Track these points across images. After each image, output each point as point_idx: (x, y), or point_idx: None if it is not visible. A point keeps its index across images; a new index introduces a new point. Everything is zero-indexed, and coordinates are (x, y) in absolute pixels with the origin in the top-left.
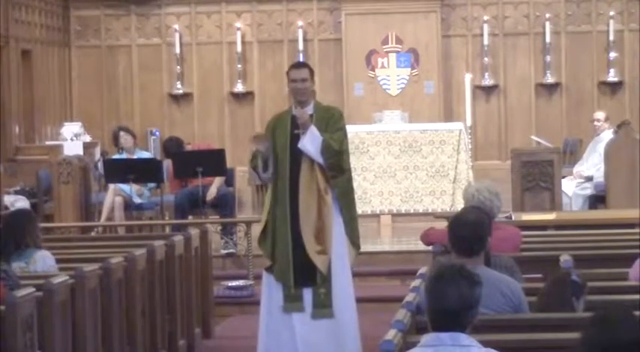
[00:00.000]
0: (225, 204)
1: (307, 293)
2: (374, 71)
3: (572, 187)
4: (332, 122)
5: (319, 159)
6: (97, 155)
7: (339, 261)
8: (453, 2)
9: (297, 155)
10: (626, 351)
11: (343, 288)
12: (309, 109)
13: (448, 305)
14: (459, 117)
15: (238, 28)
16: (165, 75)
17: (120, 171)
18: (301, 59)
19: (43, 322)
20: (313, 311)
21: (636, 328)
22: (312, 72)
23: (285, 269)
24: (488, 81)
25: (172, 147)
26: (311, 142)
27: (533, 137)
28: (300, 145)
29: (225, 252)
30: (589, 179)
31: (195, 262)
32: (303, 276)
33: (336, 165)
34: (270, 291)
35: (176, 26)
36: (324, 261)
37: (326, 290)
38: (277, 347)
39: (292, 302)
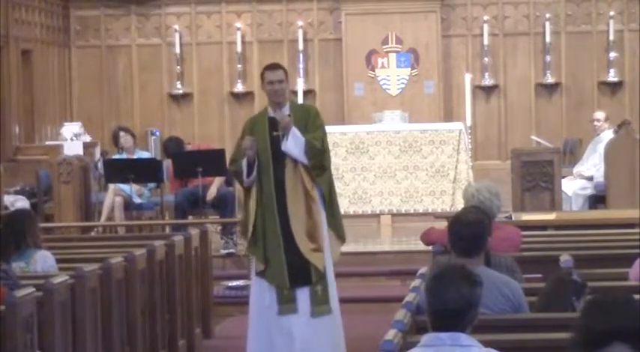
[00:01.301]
0: (225, 204)
1: (301, 294)
2: (374, 71)
3: (572, 187)
4: (311, 121)
5: (303, 159)
6: (97, 155)
7: (327, 258)
8: (453, 2)
9: (279, 157)
10: (624, 337)
11: (332, 284)
12: (286, 110)
13: (448, 305)
14: (459, 117)
15: (238, 28)
16: (165, 75)
17: (120, 171)
18: (301, 59)
19: (43, 322)
20: (313, 309)
21: (636, 314)
22: (286, 73)
23: (279, 271)
24: (488, 81)
25: (172, 147)
26: (294, 144)
27: (533, 137)
28: (283, 148)
29: (225, 252)
30: (589, 179)
31: (195, 262)
32: (297, 277)
33: (319, 164)
34: (263, 295)
35: (176, 26)
36: (320, 258)
37: (323, 287)
38: (270, 350)
39: (286, 303)
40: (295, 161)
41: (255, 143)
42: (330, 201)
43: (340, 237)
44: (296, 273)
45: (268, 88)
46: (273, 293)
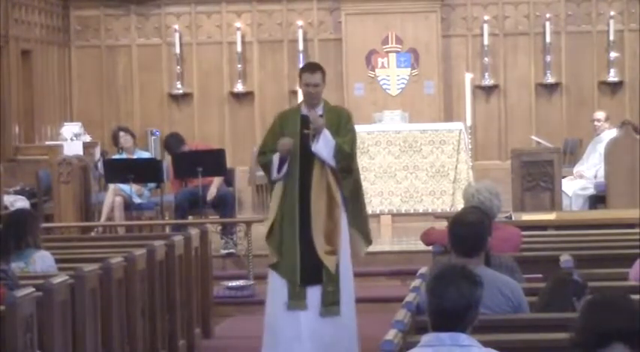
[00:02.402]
0: (225, 204)
1: (311, 292)
2: (374, 71)
3: (573, 187)
4: (342, 124)
5: (331, 162)
6: (97, 155)
7: (344, 260)
8: (453, 2)
9: (307, 156)
10: (623, 338)
11: (347, 286)
12: (319, 110)
13: (448, 305)
14: (459, 117)
15: (238, 28)
16: (165, 75)
17: (120, 171)
18: (301, 59)
19: (43, 322)
20: (322, 309)
21: (635, 314)
22: (324, 74)
23: (292, 267)
24: (488, 81)
25: (173, 143)
26: (324, 146)
27: (533, 137)
28: (314, 149)
29: (225, 252)
30: (594, 176)
31: (195, 262)
32: (309, 275)
33: (347, 168)
34: (275, 288)
35: (176, 26)
36: (334, 261)
37: (334, 289)
38: (283, 343)
39: (296, 300)
40: (323, 162)
41: (291, 145)
42: (357, 203)
43: (368, 239)
44: (309, 272)
45: (304, 89)
46: (285, 287)
